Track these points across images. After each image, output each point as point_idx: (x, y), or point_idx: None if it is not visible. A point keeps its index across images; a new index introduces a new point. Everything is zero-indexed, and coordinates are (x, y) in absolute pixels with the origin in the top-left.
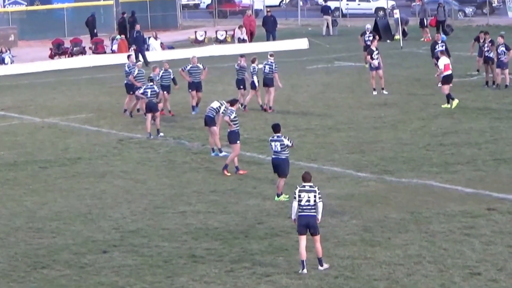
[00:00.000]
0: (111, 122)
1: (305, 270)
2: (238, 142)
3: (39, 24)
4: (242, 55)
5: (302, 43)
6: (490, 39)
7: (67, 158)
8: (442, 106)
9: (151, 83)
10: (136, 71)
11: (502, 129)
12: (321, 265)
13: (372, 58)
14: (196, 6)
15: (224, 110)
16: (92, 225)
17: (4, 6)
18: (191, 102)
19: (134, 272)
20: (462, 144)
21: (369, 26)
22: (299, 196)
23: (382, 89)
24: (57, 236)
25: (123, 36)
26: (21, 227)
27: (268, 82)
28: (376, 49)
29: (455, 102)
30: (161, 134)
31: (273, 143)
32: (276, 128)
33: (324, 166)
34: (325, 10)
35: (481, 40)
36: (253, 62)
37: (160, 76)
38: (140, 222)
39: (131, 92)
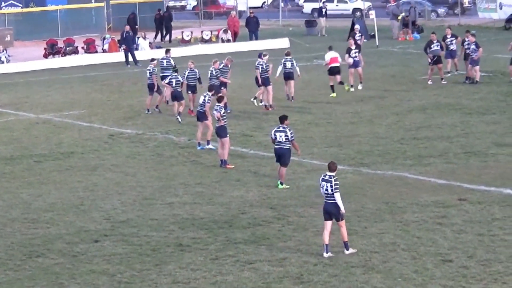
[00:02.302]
0: (102, 118)
1: (327, 254)
2: (227, 136)
3: (34, 25)
4: (264, 54)
5: (283, 43)
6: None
7: (60, 152)
8: (330, 95)
9: (176, 74)
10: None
11: (472, 124)
12: (347, 249)
13: (349, 56)
14: (183, 7)
15: (209, 99)
16: (84, 216)
17: (1, 8)
18: None
19: (124, 260)
20: (435, 138)
21: (357, 26)
22: (321, 184)
23: (361, 82)
24: (51, 226)
25: (113, 36)
26: (17, 218)
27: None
28: (356, 47)
29: (334, 95)
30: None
31: (277, 134)
32: (282, 119)
33: (304, 160)
34: (320, 13)
35: (448, 37)
36: (287, 55)
37: (186, 75)
38: (130, 213)
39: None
